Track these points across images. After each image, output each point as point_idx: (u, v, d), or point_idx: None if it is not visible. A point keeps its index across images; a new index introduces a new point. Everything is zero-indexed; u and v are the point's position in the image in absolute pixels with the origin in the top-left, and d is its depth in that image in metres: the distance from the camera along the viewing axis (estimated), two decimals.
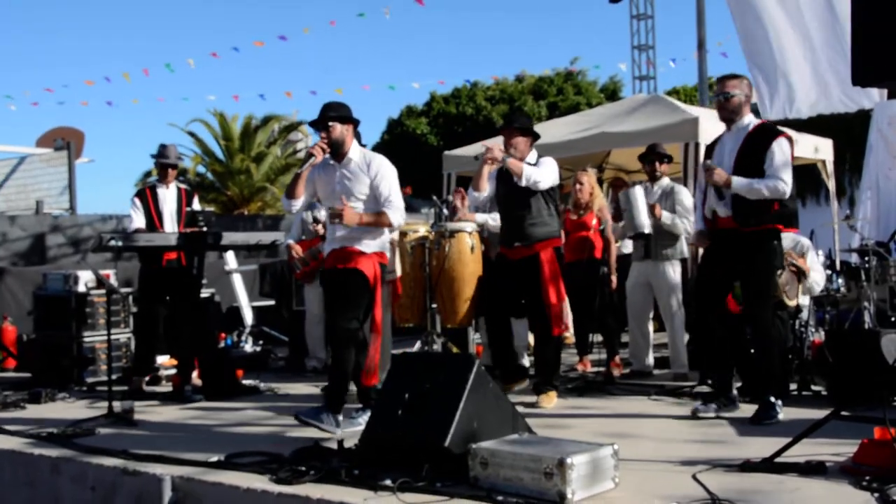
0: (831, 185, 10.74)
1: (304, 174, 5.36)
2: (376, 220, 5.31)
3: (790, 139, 5.35)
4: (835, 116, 14.31)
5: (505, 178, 6.10)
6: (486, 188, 6.09)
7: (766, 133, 5.34)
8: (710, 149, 5.60)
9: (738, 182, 5.20)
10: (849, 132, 13.50)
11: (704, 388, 6.14)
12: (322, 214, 7.21)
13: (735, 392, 5.59)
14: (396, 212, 5.32)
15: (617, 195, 8.18)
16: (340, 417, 5.12)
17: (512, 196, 6.06)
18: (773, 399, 5.25)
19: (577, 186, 7.68)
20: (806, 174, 11.96)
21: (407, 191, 8.68)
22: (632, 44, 17.91)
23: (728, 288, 5.50)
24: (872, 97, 13.45)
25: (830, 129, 12.30)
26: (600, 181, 11.23)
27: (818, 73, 14.55)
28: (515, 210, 6.05)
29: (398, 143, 24.61)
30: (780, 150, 5.23)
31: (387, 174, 5.36)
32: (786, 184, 5.17)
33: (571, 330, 8.80)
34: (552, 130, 10.48)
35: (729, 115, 5.40)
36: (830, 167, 10.59)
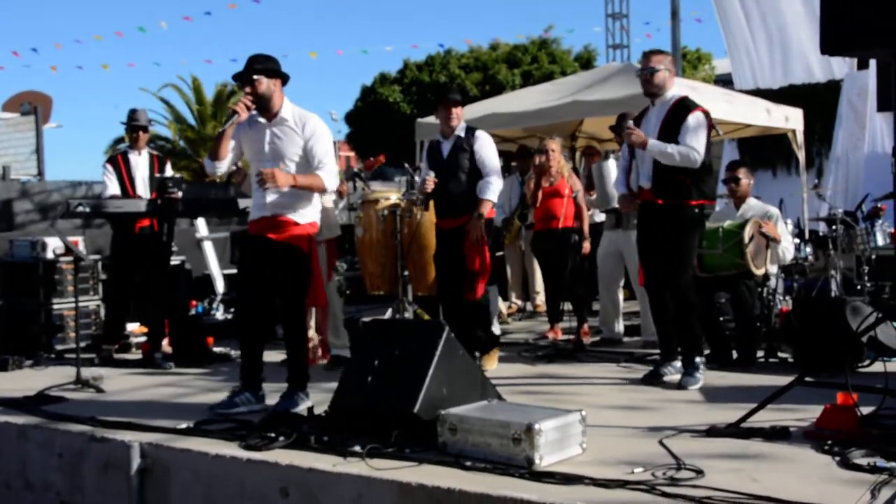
0: (801, 154, 10.80)
1: (228, 133, 4.95)
2: (310, 182, 4.90)
3: (706, 113, 5.49)
4: (805, 86, 14.40)
5: (434, 153, 6.19)
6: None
7: (684, 106, 5.48)
8: (636, 122, 5.69)
9: (652, 144, 5.37)
10: (819, 102, 13.56)
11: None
12: None
13: (679, 363, 5.64)
14: (330, 175, 4.94)
15: (590, 165, 8.18)
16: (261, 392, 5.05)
17: (441, 172, 6.09)
18: (696, 361, 5.44)
19: (548, 153, 7.67)
20: (777, 144, 12.03)
21: (381, 159, 8.61)
22: (606, 12, 17.85)
23: (660, 257, 5.55)
24: (844, 66, 13.55)
25: (801, 99, 12.34)
26: (573, 150, 11.24)
27: (789, 43, 14.63)
28: (446, 184, 6.07)
29: (371, 110, 24.42)
30: (694, 122, 5.38)
31: (322, 134, 4.97)
32: (697, 153, 5.31)
33: (543, 297, 8.84)
34: (525, 98, 10.45)
35: (654, 89, 5.53)
36: (800, 137, 10.64)
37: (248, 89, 4.88)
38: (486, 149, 6.09)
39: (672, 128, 5.41)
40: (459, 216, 6.04)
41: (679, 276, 5.46)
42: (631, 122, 5.61)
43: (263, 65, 4.93)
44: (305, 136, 4.94)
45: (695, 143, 5.33)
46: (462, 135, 6.12)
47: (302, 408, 4.84)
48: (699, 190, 5.44)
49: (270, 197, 4.94)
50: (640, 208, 5.68)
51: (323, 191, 5.01)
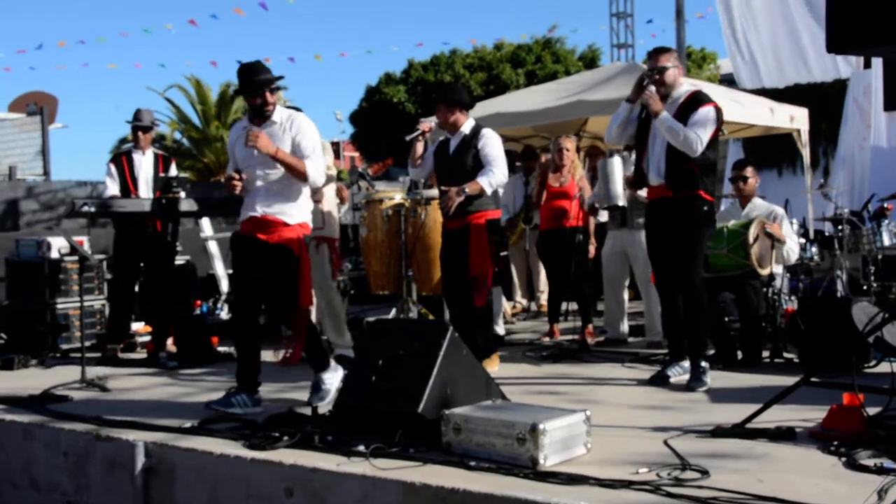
0: (806, 154, 10.78)
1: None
2: (293, 162, 4.96)
3: (718, 109, 5.44)
4: (811, 86, 14.37)
5: (441, 152, 6.16)
6: (420, 162, 6.21)
7: (697, 100, 5.43)
8: (647, 118, 5.56)
9: (665, 116, 5.31)
10: (825, 102, 13.53)
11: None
12: None
13: (686, 363, 5.61)
14: (315, 166, 5.03)
15: (594, 164, 8.16)
16: (257, 396, 5.08)
17: (447, 170, 6.08)
18: (703, 364, 5.38)
19: (562, 152, 7.69)
20: (781, 143, 12.00)
21: (388, 162, 8.64)
22: (610, 11, 17.84)
23: (671, 254, 5.52)
24: (850, 65, 13.52)
25: (806, 98, 12.31)
26: (577, 150, 11.22)
27: (794, 42, 14.61)
28: (450, 184, 5.99)
29: (376, 110, 24.43)
30: (703, 114, 5.33)
31: (308, 131, 5.08)
32: (700, 142, 5.26)
33: (546, 297, 8.83)
34: (529, 98, 10.44)
35: (666, 89, 5.46)
36: (805, 137, 10.62)
37: (269, 99, 5.01)
38: (490, 146, 6.01)
39: (682, 121, 5.33)
40: (464, 216, 5.96)
41: (690, 273, 5.40)
42: (653, 88, 5.42)
43: (269, 78, 5.02)
44: (293, 134, 5.05)
45: (700, 133, 5.27)
46: (467, 132, 6.08)
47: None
48: (705, 183, 5.40)
49: (261, 200, 5.02)
50: (649, 207, 5.65)
51: (305, 177, 5.02)
